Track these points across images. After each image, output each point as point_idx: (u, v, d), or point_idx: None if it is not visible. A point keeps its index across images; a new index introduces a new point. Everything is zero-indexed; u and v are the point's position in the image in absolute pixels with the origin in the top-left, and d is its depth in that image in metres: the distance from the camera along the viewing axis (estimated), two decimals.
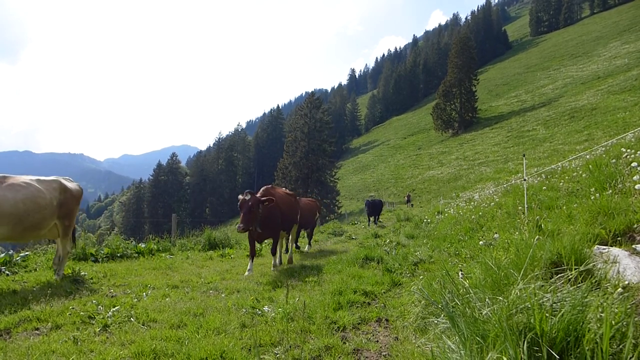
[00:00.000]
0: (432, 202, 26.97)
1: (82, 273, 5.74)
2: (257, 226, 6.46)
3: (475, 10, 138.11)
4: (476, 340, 2.00)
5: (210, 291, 5.03)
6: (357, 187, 54.57)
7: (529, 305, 1.92)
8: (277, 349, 2.99)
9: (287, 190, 8.48)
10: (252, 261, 6.69)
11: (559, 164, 9.72)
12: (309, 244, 10.60)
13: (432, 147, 60.48)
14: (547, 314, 1.86)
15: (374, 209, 18.44)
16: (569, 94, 48.83)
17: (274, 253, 7.02)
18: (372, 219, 18.77)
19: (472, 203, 11.69)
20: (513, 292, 2.15)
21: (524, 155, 6.64)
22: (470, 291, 2.58)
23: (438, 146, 58.55)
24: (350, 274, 5.62)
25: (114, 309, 3.86)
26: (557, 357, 1.74)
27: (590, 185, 5.07)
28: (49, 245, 8.56)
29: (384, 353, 3.01)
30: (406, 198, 32.18)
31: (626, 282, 2.37)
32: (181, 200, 76.99)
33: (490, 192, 13.10)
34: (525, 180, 6.15)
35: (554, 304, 1.94)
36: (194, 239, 10.37)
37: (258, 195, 6.60)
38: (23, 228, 4.98)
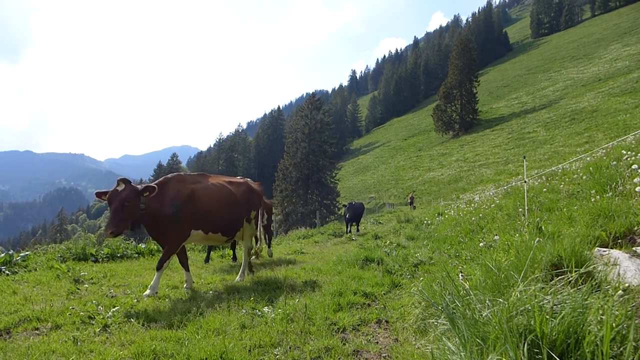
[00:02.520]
0: (432, 203, 26.95)
1: (82, 273, 5.74)
2: (136, 228, 4.79)
3: (476, 12, 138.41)
4: (476, 342, 2.00)
5: (210, 291, 5.03)
6: (358, 188, 54.57)
7: (530, 307, 1.92)
8: (277, 350, 2.98)
9: (235, 179, 6.17)
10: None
11: (560, 166, 9.73)
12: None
13: (432, 148, 60.48)
14: (547, 316, 1.86)
15: (355, 213, 15.97)
16: (570, 96, 48.82)
17: (159, 267, 4.84)
18: (350, 225, 15.86)
19: (472, 205, 11.69)
20: (513, 294, 2.15)
21: (524, 157, 6.64)
22: (471, 293, 2.58)
23: (438, 147, 58.54)
24: (351, 275, 5.62)
25: (114, 309, 3.86)
26: (558, 359, 1.74)
27: (590, 187, 5.07)
28: (50, 245, 8.56)
29: (384, 354, 3.00)
30: (409, 199, 31.89)
31: (627, 285, 2.37)
32: None
33: (491, 193, 13.09)
34: (525, 182, 6.15)
35: (554, 306, 1.94)
36: None
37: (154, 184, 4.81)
38: None
